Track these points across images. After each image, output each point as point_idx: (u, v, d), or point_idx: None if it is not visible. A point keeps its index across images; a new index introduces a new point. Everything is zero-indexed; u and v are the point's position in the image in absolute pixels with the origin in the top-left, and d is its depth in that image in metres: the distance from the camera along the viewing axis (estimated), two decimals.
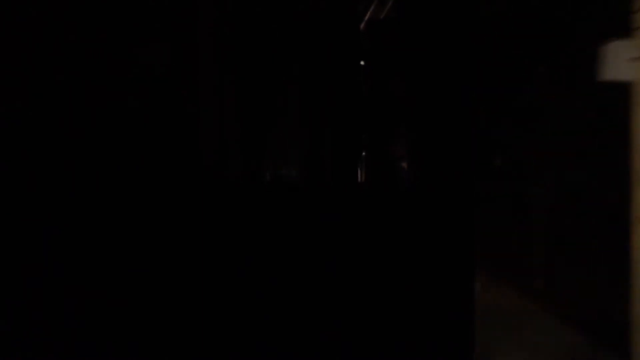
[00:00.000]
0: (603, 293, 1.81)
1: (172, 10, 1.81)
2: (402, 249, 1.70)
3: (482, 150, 2.06)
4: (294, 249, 1.73)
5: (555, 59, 2.06)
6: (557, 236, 2.14)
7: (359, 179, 2.03)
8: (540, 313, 2.03)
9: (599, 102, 1.88)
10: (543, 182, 2.20)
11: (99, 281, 1.65)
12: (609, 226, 1.81)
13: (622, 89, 1.72)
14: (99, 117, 1.75)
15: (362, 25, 2.05)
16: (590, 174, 1.93)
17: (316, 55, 1.99)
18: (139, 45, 1.78)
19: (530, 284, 2.20)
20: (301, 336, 1.65)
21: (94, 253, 1.67)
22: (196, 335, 1.65)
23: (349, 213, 1.80)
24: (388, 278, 1.67)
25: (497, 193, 2.29)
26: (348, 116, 2.02)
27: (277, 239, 1.75)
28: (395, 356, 1.61)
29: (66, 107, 1.73)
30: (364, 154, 2.05)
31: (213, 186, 1.86)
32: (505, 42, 2.06)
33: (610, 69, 1.78)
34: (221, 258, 1.72)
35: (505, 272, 2.27)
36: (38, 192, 1.69)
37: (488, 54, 1.95)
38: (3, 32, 1.67)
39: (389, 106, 2.07)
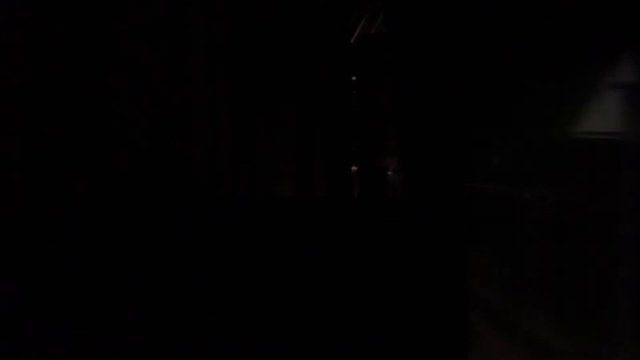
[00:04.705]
0: None
1: (164, 15, 1.83)
2: (395, 257, 1.68)
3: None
4: (287, 264, 1.71)
5: None
6: None
7: (352, 191, 2.02)
8: None
9: None
10: None
11: (81, 296, 1.61)
12: None
13: None
14: (85, 123, 1.75)
15: (352, 40, 2.09)
16: None
17: (307, 69, 2.02)
18: (131, 49, 1.79)
19: None
20: (296, 347, 1.62)
21: (76, 265, 1.63)
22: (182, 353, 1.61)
23: (343, 225, 1.79)
24: (383, 286, 1.65)
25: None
26: (340, 129, 2.03)
27: (268, 253, 1.72)
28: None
29: (55, 109, 1.72)
30: (355, 167, 2.05)
31: (203, 199, 1.84)
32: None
33: None
34: (211, 273, 1.69)
35: None
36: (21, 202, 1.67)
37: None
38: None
39: (380, 119, 2.08)
